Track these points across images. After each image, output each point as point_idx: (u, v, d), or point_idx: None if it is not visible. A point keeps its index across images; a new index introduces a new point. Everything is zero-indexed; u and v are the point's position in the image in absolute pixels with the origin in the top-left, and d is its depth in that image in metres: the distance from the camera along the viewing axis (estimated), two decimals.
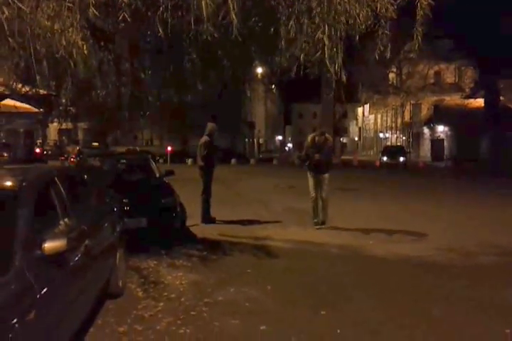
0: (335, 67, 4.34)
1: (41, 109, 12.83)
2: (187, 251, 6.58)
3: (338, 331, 3.86)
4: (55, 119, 36.29)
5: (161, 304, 4.47)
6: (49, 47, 5.34)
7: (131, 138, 46.13)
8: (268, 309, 4.41)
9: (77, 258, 3.41)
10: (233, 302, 4.56)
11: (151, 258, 6.07)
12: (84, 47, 4.64)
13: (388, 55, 4.54)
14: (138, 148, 32.70)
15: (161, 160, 33.69)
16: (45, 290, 2.71)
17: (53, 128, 45.60)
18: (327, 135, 8.56)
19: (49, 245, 2.84)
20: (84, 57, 4.92)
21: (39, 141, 39.01)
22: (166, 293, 4.78)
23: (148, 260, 6.01)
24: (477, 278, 5.39)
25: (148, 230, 6.67)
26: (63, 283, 3.12)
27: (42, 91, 7.87)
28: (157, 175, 8.40)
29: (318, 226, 8.40)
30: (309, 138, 8.48)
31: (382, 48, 4.54)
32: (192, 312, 4.25)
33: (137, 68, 6.20)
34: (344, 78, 4.64)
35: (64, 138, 46.29)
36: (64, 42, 4.74)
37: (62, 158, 27.36)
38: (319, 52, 4.15)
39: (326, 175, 8.36)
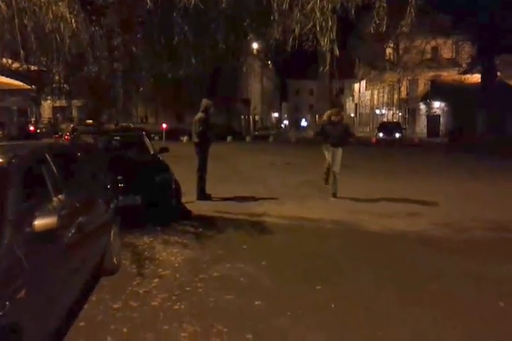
0: (327, 40, 4.23)
1: (33, 86, 12.62)
2: (182, 227, 6.57)
3: (333, 305, 3.88)
4: (49, 97, 35.95)
5: (156, 280, 4.48)
6: (37, 21, 5.20)
7: (126, 116, 45.73)
8: (263, 284, 4.42)
9: (69, 236, 3.37)
10: (228, 277, 4.57)
11: (146, 235, 6.06)
12: (73, 21, 4.50)
13: (384, 28, 4.42)
14: (131, 125, 32.39)
15: (156, 138, 33.49)
16: (36, 267, 2.68)
17: (47, 106, 45.13)
18: (342, 113, 9.54)
19: (39, 222, 2.80)
20: (73, 31, 4.78)
21: (33, 119, 38.66)
22: (160, 270, 4.78)
23: (144, 237, 6.01)
24: (472, 253, 5.41)
25: (142, 207, 6.64)
26: (55, 261, 3.10)
27: (33, 67, 7.70)
28: (151, 152, 8.33)
29: (334, 198, 8.84)
30: (325, 116, 9.14)
31: (378, 21, 4.42)
32: (187, 288, 4.26)
33: (129, 42, 6.05)
34: (337, 51, 4.53)
35: (58, 115, 45.87)
36: (51, 16, 4.60)
37: (57, 136, 27.16)
38: (311, 24, 4.03)
39: (340, 149, 8.88)
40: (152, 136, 33.13)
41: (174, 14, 5.10)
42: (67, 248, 3.34)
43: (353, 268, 4.91)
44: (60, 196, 3.48)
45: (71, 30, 5.66)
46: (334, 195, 8.90)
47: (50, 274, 2.93)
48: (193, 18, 5.30)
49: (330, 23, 4.15)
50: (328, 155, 8.94)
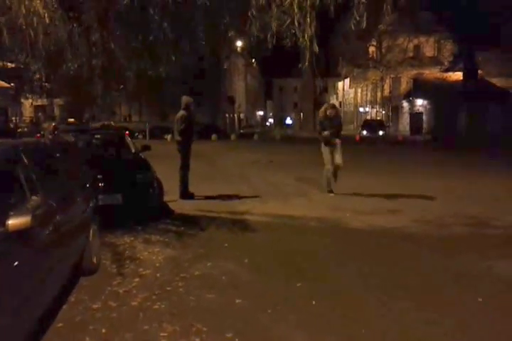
0: (306, 36, 4.21)
1: (12, 84, 12.40)
2: (164, 226, 6.52)
3: (314, 302, 3.87)
4: (29, 95, 35.39)
5: (136, 280, 4.42)
6: (10, 17, 5.10)
7: (110, 114, 45.33)
8: (244, 282, 4.39)
9: (45, 235, 3.31)
10: (209, 276, 4.54)
11: (127, 235, 5.99)
12: (46, 16, 4.41)
13: (364, 24, 4.42)
14: (113, 123, 32.06)
15: (140, 136, 33.27)
16: (9, 267, 2.62)
17: (29, 104, 44.49)
18: (337, 107, 9.68)
19: (13, 222, 2.74)
20: (47, 27, 4.69)
21: (14, 118, 38.03)
22: (141, 269, 4.73)
23: (125, 236, 5.94)
24: (452, 249, 5.45)
25: (123, 206, 6.57)
26: (30, 261, 3.03)
27: (10, 65, 7.56)
28: (133, 151, 8.25)
29: (332, 194, 8.92)
30: (321, 112, 9.14)
31: (358, 18, 4.41)
32: (167, 288, 4.21)
33: (107, 39, 5.97)
34: (316, 48, 4.51)
35: (40, 114, 45.27)
36: (24, 11, 4.50)
37: (39, 135, 26.76)
38: (289, 21, 4.01)
39: (338, 142, 8.92)
40: (136, 134, 33.06)
41: (151, 10, 5.04)
42: (43, 247, 3.28)
43: (334, 265, 4.91)
44: (35, 195, 3.41)
45: (45, 25, 5.56)
46: (335, 176, 8.96)
47: (24, 274, 2.87)
48: (171, 15, 5.23)
49: (309, 19, 4.13)
50: (327, 156, 8.83)
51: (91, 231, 4.65)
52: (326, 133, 8.81)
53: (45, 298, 3.33)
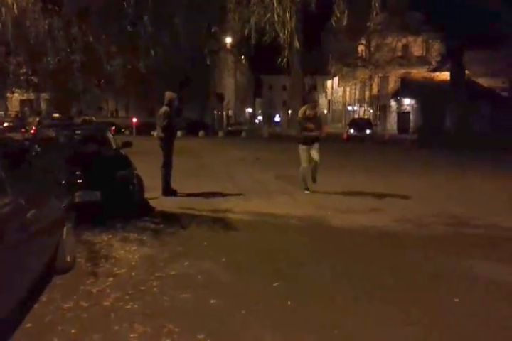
0: (287, 32, 4.14)
1: None
2: (143, 224, 6.42)
3: (289, 303, 3.82)
4: (14, 89, 34.86)
5: (111, 279, 4.33)
6: None
7: (96, 110, 44.90)
8: (220, 282, 4.33)
9: (11, 234, 3.21)
10: (185, 275, 4.46)
11: (105, 232, 5.89)
12: (15, 7, 4.28)
13: (345, 21, 4.36)
14: (94, 118, 31.68)
15: (126, 132, 32.96)
16: None
17: (15, 99, 43.91)
18: (317, 108, 9.62)
19: None
20: (15, 17, 4.57)
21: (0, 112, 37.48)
22: (116, 268, 4.64)
23: (102, 234, 5.84)
24: (431, 248, 5.43)
25: (102, 203, 6.46)
26: None
27: None
28: (113, 147, 8.13)
29: (307, 191, 8.94)
30: (300, 112, 9.05)
31: (338, 15, 4.35)
32: (141, 287, 4.13)
33: (86, 33, 5.84)
34: (297, 44, 4.44)
35: (26, 109, 44.73)
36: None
37: (23, 130, 26.39)
38: (268, 15, 3.93)
39: (317, 144, 8.90)
40: (122, 130, 32.75)
41: (132, 3, 4.93)
42: (9, 247, 3.17)
43: (312, 264, 4.86)
44: (3, 193, 3.31)
45: (24, 18, 5.43)
46: (314, 179, 9.01)
47: None
48: (152, 9, 5.13)
49: (288, 14, 4.05)
50: (304, 155, 8.82)
51: (65, 229, 4.54)
52: (311, 133, 8.77)
53: (13, 299, 3.24)
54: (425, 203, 8.25)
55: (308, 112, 8.84)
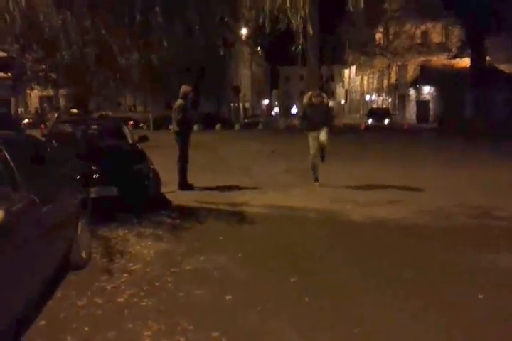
0: (299, 17, 3.98)
1: (9, 74, 12.26)
2: (160, 219, 6.39)
3: (307, 299, 3.73)
4: (34, 86, 35.22)
5: (125, 275, 4.30)
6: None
7: (115, 105, 45.15)
8: (237, 277, 4.26)
9: (25, 230, 3.18)
10: (201, 271, 4.40)
11: (121, 227, 5.87)
12: (27, 1, 4.23)
13: (362, 5, 4.18)
14: (110, 113, 31.86)
15: (144, 127, 33.10)
16: None
17: (34, 95, 44.43)
18: (323, 95, 8.90)
19: None
20: (28, 12, 4.52)
21: (19, 109, 37.93)
22: (131, 264, 4.60)
23: (118, 229, 5.82)
24: (452, 241, 5.27)
25: (119, 198, 6.44)
26: (8, 257, 2.90)
27: (1, 54, 7.41)
28: (129, 141, 8.11)
29: (316, 183, 8.72)
30: (306, 98, 8.69)
31: None
32: (156, 283, 4.08)
33: (99, 26, 5.78)
34: (311, 31, 4.28)
35: (45, 105, 45.22)
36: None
37: (43, 126, 26.66)
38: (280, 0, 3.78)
39: (325, 129, 8.57)
40: (140, 125, 32.90)
41: None
42: (23, 243, 3.14)
43: (331, 259, 4.75)
44: (14, 189, 3.28)
45: (37, 14, 5.40)
46: (322, 158, 8.72)
47: (3, 271, 2.75)
48: (164, 1, 5.03)
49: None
50: (313, 142, 8.60)
51: (79, 225, 4.52)
52: (308, 128, 8.53)
53: (28, 295, 3.22)
54: (445, 194, 8.04)
55: (314, 100, 8.49)
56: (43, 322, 3.42)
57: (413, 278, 4.17)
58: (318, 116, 8.45)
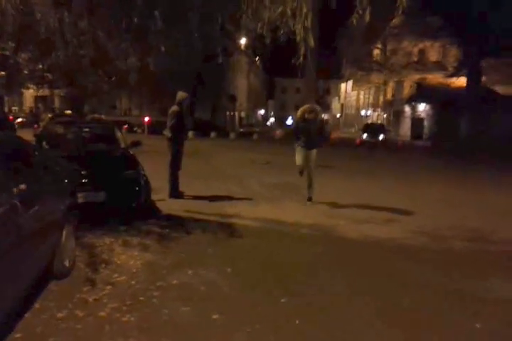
0: (301, 27, 3.86)
1: (2, 72, 12.08)
2: (148, 227, 6.19)
3: (297, 322, 3.56)
4: (30, 85, 34.96)
5: (109, 287, 4.11)
6: None
7: (109, 108, 44.98)
8: (224, 295, 4.08)
9: (3, 238, 3.00)
10: (188, 286, 4.22)
11: (107, 235, 5.67)
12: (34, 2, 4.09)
13: (367, 18, 4.07)
14: (103, 116, 31.63)
15: (139, 131, 32.86)
16: None
17: (29, 95, 44.15)
18: (318, 109, 8.49)
19: None
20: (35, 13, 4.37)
21: (13, 108, 37.63)
22: (116, 275, 4.41)
23: (105, 237, 5.62)
24: (449, 265, 5.14)
25: (107, 205, 6.25)
26: None
27: None
28: (121, 146, 7.93)
29: (310, 202, 8.32)
30: (299, 112, 8.33)
31: (360, 12, 4.06)
32: (141, 298, 3.90)
33: (95, 28, 5.64)
34: (311, 42, 4.17)
35: (40, 105, 44.93)
36: None
37: (36, 126, 26.37)
38: (281, 8, 3.66)
39: (314, 151, 8.24)
40: (135, 129, 32.68)
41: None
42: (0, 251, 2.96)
43: (323, 278, 4.59)
44: None
45: (33, 12, 5.24)
46: (310, 199, 8.31)
47: None
48: (164, 5, 4.91)
49: (305, 9, 3.79)
50: (299, 158, 8.23)
51: (64, 232, 4.33)
52: (299, 143, 8.17)
53: (3, 307, 3.03)
54: (440, 215, 7.92)
55: (307, 115, 8.08)
56: (18, 335, 3.24)
57: (409, 304, 4.00)
58: (311, 136, 8.07)
